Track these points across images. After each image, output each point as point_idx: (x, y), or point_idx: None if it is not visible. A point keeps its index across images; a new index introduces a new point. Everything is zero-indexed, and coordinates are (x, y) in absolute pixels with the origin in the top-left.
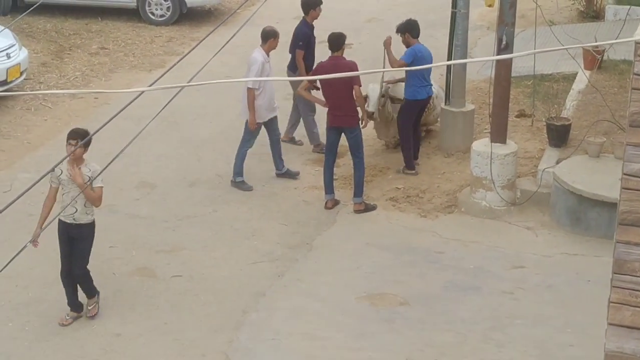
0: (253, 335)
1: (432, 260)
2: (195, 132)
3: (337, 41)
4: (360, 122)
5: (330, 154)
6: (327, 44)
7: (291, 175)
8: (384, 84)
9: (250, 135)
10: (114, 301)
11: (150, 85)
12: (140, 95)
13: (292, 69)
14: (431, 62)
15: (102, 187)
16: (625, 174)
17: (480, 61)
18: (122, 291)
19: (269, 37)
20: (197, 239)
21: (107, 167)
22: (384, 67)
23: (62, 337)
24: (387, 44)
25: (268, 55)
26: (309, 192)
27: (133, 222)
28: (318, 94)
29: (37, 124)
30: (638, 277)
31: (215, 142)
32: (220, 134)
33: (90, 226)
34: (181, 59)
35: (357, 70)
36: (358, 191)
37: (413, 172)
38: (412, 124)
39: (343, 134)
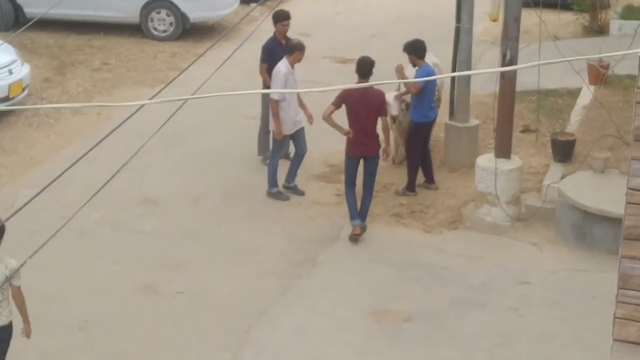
0: (257, 352)
1: (436, 276)
2: (199, 147)
3: (366, 68)
4: (382, 152)
5: (352, 184)
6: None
7: (297, 191)
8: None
9: (278, 146)
10: (118, 318)
11: (151, 98)
12: (141, 108)
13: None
14: (435, 84)
15: (19, 286)
16: (630, 188)
17: (485, 73)
18: (125, 307)
19: (295, 50)
20: (201, 254)
21: (107, 182)
22: (398, 92)
23: (65, 354)
24: (400, 71)
25: (293, 67)
26: (312, 208)
27: (137, 238)
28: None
29: (39, 140)
30: None
31: (219, 157)
32: (224, 149)
33: (7, 329)
34: (180, 73)
35: (385, 101)
36: (363, 216)
37: (413, 193)
38: (421, 146)
39: (362, 160)
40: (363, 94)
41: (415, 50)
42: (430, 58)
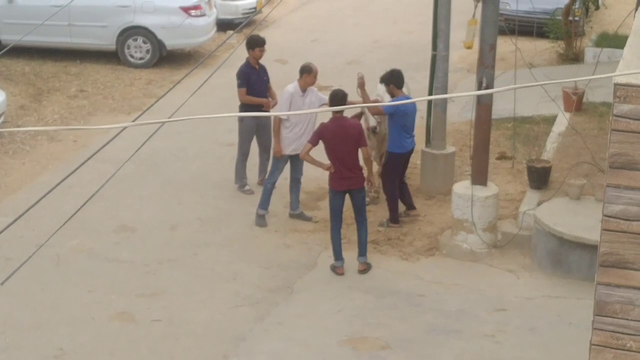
0: None
1: (413, 303)
2: (176, 175)
3: (340, 102)
4: (366, 183)
5: (339, 219)
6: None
7: (304, 217)
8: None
9: (274, 167)
10: (94, 346)
11: (133, 121)
12: (118, 134)
13: (241, 108)
14: (414, 114)
15: None
16: (605, 215)
17: (462, 96)
18: (101, 336)
19: (303, 72)
20: (177, 282)
21: (81, 208)
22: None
23: None
24: (361, 85)
25: (303, 91)
26: (289, 235)
27: (113, 266)
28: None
29: (15, 167)
30: (619, 319)
31: (195, 184)
32: (200, 177)
33: None
34: (158, 99)
35: (363, 132)
36: (364, 250)
37: (397, 225)
38: (397, 177)
39: (349, 195)
40: (339, 127)
41: (395, 80)
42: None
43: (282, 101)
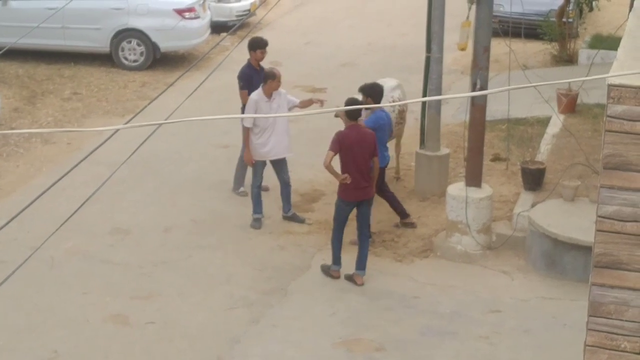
0: None
1: (408, 305)
2: (170, 177)
3: (355, 111)
4: None
5: (343, 228)
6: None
7: (297, 219)
8: None
9: (253, 172)
10: (88, 348)
11: (126, 123)
12: (112, 136)
13: (242, 110)
14: (391, 129)
15: None
16: (599, 216)
17: (456, 97)
18: (95, 338)
19: (268, 78)
20: (172, 284)
21: (76, 211)
22: None
23: None
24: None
25: (269, 96)
26: (283, 237)
27: (107, 268)
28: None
29: (9, 170)
30: (614, 319)
31: (190, 186)
32: (195, 179)
33: None
34: (152, 101)
35: (376, 141)
36: (364, 264)
37: (409, 219)
38: (385, 186)
39: (357, 206)
40: (358, 135)
41: (374, 93)
42: (389, 81)
43: (249, 109)
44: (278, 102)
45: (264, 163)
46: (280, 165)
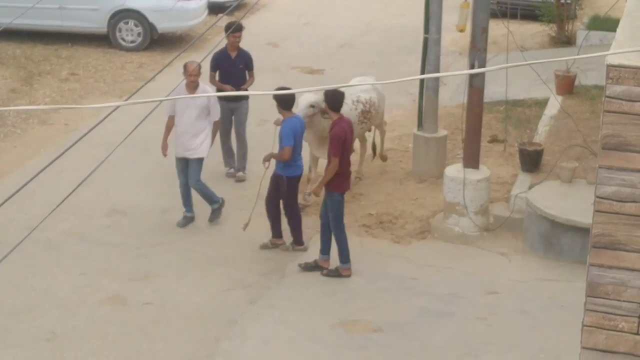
0: None
1: (405, 286)
2: (167, 158)
3: (339, 101)
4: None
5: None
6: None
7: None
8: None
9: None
10: (85, 330)
11: (126, 99)
12: (109, 115)
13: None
14: (303, 134)
15: None
16: (597, 197)
17: (454, 75)
18: (93, 320)
19: (184, 72)
20: (169, 266)
21: (72, 192)
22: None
23: None
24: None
25: (190, 92)
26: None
27: (104, 250)
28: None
29: (6, 150)
30: (611, 300)
31: None
32: None
33: None
34: (148, 81)
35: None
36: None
37: (302, 247)
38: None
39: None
40: (348, 127)
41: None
42: (368, 79)
43: (169, 101)
44: (204, 100)
45: (181, 160)
46: (190, 166)
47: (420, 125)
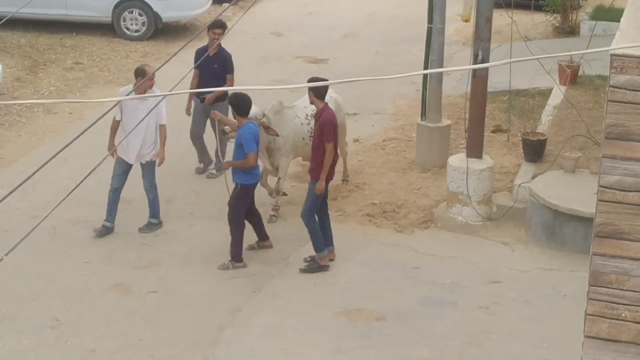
0: (229, 352)
1: (408, 275)
2: (172, 148)
3: (325, 89)
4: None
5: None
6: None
7: (147, 229)
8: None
9: (113, 171)
10: (90, 317)
11: (128, 94)
12: (116, 105)
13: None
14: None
15: None
16: (601, 186)
17: (458, 70)
18: (97, 307)
19: (137, 76)
20: (173, 254)
21: (82, 182)
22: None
23: (36, 354)
24: (222, 119)
25: (144, 93)
26: (284, 208)
27: (109, 238)
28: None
29: (10, 139)
30: (614, 289)
31: (190, 158)
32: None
33: None
34: (154, 72)
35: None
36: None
37: (242, 264)
38: (246, 209)
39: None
40: (334, 115)
41: (237, 105)
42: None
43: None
44: (152, 104)
45: (123, 164)
46: (145, 171)
47: (423, 114)
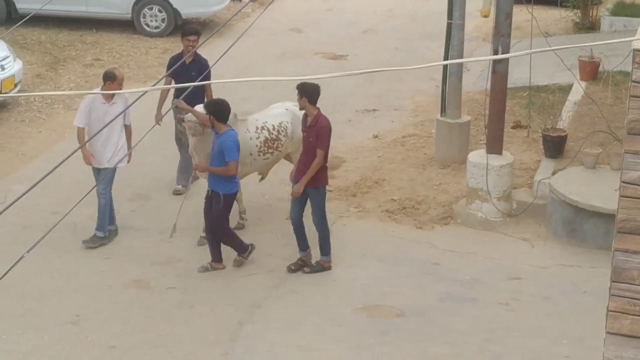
0: (248, 348)
1: (428, 271)
2: None
3: (318, 94)
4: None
5: None
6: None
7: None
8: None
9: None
10: (109, 313)
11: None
12: (138, 99)
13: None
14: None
15: None
16: (623, 182)
17: (477, 60)
18: (117, 303)
19: (106, 79)
20: (192, 250)
21: (101, 179)
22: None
23: (57, 350)
24: (187, 108)
25: (107, 99)
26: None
27: (128, 234)
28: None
29: (31, 135)
30: (636, 285)
31: None
32: None
33: None
34: (173, 68)
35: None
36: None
37: (248, 251)
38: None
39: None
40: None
41: (219, 112)
42: (280, 106)
43: (80, 108)
44: (121, 108)
45: (96, 170)
46: (102, 173)
47: (443, 111)
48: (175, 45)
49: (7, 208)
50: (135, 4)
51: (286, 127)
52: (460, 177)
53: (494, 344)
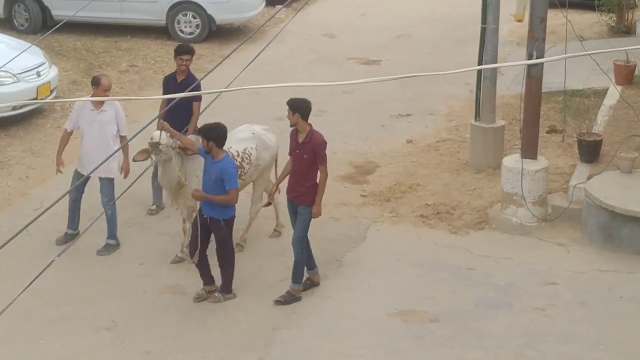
0: (283, 353)
1: (462, 276)
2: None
3: (310, 109)
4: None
5: None
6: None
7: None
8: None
9: (72, 183)
10: (144, 319)
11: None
12: (171, 105)
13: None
14: None
15: None
16: None
17: (512, 65)
18: (152, 308)
19: (92, 85)
20: None
21: (133, 183)
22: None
23: (92, 355)
24: (166, 128)
25: (96, 106)
26: (338, 209)
27: (163, 240)
28: None
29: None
30: None
31: None
32: None
33: None
34: (207, 74)
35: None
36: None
37: (231, 295)
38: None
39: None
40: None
41: (217, 137)
42: (246, 130)
43: (71, 116)
44: (110, 116)
45: (80, 175)
46: (103, 186)
47: (477, 115)
48: (209, 51)
49: (43, 213)
50: (169, 10)
51: (250, 153)
52: (494, 182)
53: (530, 349)
